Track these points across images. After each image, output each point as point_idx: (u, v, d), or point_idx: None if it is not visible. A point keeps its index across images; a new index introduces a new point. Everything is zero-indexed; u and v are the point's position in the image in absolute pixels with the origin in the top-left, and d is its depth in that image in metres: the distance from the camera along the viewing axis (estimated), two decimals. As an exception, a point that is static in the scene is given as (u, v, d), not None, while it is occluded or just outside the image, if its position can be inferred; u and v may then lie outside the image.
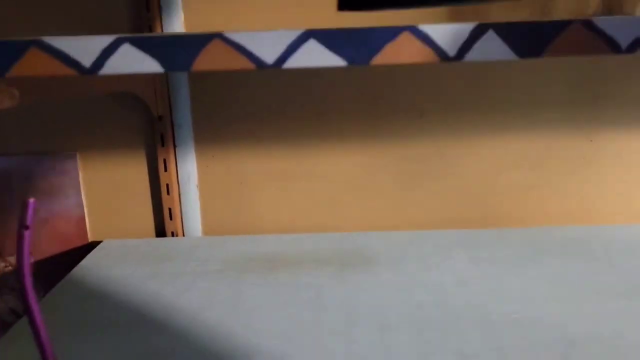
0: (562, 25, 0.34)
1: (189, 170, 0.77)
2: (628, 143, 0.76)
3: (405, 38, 0.34)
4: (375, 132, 0.77)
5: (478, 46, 0.34)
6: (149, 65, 0.34)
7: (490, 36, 0.34)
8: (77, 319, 0.58)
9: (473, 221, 0.80)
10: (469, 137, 0.77)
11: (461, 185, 0.78)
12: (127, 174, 0.78)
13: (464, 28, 0.34)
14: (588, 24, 0.34)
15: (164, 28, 0.72)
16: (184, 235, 0.80)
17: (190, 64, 0.34)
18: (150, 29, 0.72)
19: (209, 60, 0.34)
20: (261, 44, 0.34)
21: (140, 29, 0.73)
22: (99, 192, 0.79)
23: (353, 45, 0.34)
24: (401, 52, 0.34)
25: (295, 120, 0.76)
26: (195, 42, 0.34)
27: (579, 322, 0.54)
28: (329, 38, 0.34)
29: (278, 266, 0.68)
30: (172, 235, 0.79)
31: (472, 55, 0.34)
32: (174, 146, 0.76)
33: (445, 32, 0.34)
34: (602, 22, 0.34)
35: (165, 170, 0.76)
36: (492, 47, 0.34)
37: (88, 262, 0.71)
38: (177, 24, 0.72)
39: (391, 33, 0.34)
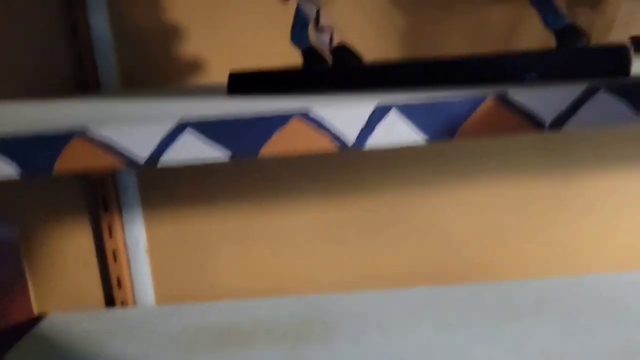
0: (474, 103, 0.30)
1: (137, 235, 0.73)
2: (608, 184, 0.71)
3: (296, 124, 0.30)
4: (335, 185, 0.72)
5: (381, 130, 0.30)
6: (3, 169, 0.30)
7: (394, 118, 0.30)
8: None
9: (444, 275, 0.75)
10: (435, 185, 0.72)
11: (429, 237, 0.74)
12: (71, 242, 0.74)
13: (364, 110, 0.30)
14: (503, 99, 0.29)
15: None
16: (135, 304, 0.75)
17: (52, 166, 0.30)
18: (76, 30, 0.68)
19: (72, 159, 0.30)
20: (131, 140, 0.30)
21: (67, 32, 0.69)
22: (43, 261, 0.75)
23: (237, 135, 0.30)
24: (293, 140, 0.30)
25: (249, 176, 0.72)
26: (55, 141, 0.30)
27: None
28: (208, 128, 0.30)
29: (229, 340, 0.63)
30: (123, 304, 0.74)
31: (374, 141, 0.30)
32: (120, 210, 0.72)
33: (341, 115, 0.30)
34: (520, 95, 0.29)
35: (111, 236, 0.72)
36: (397, 131, 0.30)
37: (30, 339, 0.66)
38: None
39: (280, 120, 0.30)
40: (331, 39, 0.40)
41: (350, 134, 0.30)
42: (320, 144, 0.30)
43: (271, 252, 0.74)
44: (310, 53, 0.45)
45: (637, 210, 0.72)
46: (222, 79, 0.69)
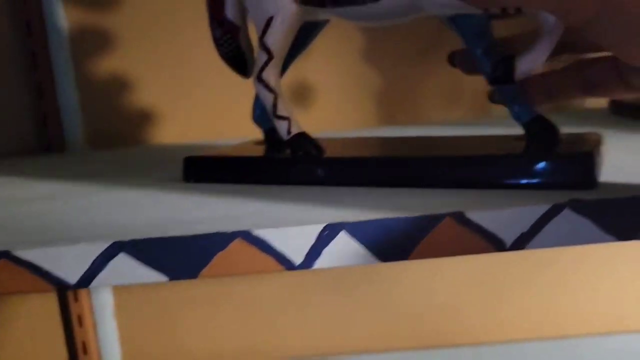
0: (430, 222, 0.28)
1: (103, 299, 0.70)
2: (585, 247, 0.70)
3: (238, 246, 0.28)
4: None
5: (330, 250, 0.28)
6: None
7: (344, 239, 0.28)
8: None
9: (424, 339, 0.72)
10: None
11: (405, 299, 0.71)
12: (35, 306, 0.71)
13: (309, 230, 0.28)
14: (461, 219, 0.27)
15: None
16: (101, 370, 0.72)
17: (-28, 291, 0.28)
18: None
19: (-4, 283, 0.28)
20: (59, 263, 0.28)
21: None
22: (4, 326, 0.72)
23: (175, 257, 0.28)
24: (235, 262, 0.28)
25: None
26: (-24, 264, 0.27)
27: None
28: (143, 250, 0.28)
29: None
30: (88, 370, 0.71)
31: (322, 262, 0.28)
32: (86, 273, 0.69)
33: (286, 237, 0.28)
34: (478, 215, 0.28)
35: (76, 300, 0.69)
36: (346, 251, 0.28)
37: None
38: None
39: (220, 241, 0.28)
40: (289, 128, 0.38)
41: (296, 256, 0.28)
42: (264, 266, 0.28)
43: (241, 316, 0.72)
44: (272, 134, 0.43)
45: (615, 273, 0.71)
46: (189, 139, 0.66)
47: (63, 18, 0.65)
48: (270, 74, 0.38)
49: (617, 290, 0.71)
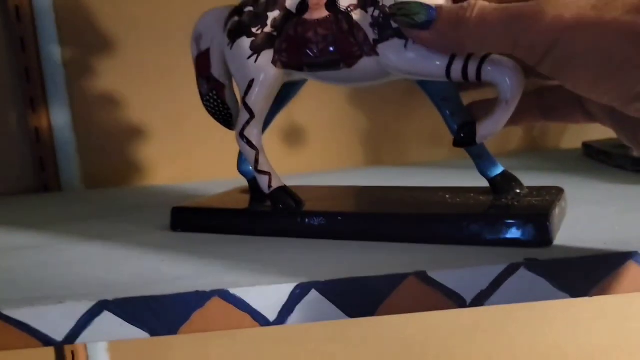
0: (395, 281, 0.29)
1: (97, 335, 0.72)
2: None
3: (215, 304, 0.30)
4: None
5: (301, 308, 0.30)
6: None
7: (314, 297, 0.30)
8: None
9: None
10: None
11: (394, 331, 0.73)
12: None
13: (284, 289, 0.30)
14: (424, 277, 0.29)
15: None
16: (95, 405, 0.73)
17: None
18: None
19: (-12, 340, 0.30)
20: (46, 321, 0.29)
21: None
22: (1, 363, 0.73)
23: (155, 314, 0.30)
24: (212, 319, 0.30)
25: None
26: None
27: None
28: (125, 308, 0.29)
29: None
30: (82, 405, 0.72)
31: (294, 318, 0.30)
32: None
33: (261, 295, 0.30)
34: (440, 275, 0.29)
35: (71, 337, 0.70)
36: (317, 308, 0.30)
37: None
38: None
39: (198, 299, 0.29)
40: (270, 182, 0.40)
41: (270, 313, 0.30)
42: (240, 323, 0.30)
43: (234, 353, 0.73)
44: (256, 184, 0.45)
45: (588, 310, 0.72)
46: (183, 180, 0.68)
47: (60, 64, 0.67)
48: (251, 132, 0.40)
49: (590, 328, 0.72)
